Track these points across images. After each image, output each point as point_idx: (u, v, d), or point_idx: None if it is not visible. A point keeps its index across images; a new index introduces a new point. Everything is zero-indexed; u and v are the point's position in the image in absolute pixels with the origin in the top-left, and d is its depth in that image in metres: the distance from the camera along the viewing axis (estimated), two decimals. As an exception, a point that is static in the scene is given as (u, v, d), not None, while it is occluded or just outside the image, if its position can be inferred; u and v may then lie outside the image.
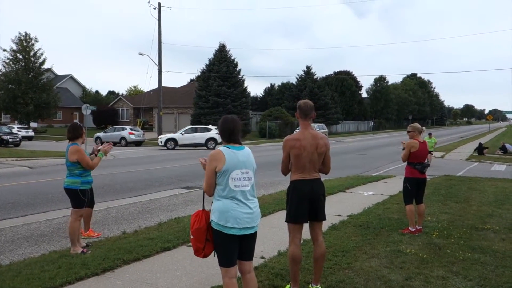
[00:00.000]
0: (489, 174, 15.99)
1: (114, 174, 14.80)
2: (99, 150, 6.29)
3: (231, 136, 3.63)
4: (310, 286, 4.46)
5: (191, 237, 3.68)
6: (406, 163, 6.92)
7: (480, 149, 25.31)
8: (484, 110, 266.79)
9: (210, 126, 31.40)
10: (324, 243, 4.48)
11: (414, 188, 6.84)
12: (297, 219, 4.30)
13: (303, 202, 4.26)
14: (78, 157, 5.91)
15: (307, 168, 4.27)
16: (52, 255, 5.72)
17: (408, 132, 6.99)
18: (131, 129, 33.34)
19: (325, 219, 4.42)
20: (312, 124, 4.58)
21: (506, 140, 35.46)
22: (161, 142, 29.70)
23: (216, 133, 29.21)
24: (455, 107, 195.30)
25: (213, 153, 3.56)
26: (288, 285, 4.42)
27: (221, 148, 3.59)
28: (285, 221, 4.41)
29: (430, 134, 19.50)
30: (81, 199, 6.00)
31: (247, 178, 3.59)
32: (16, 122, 42.58)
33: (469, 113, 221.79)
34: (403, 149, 6.92)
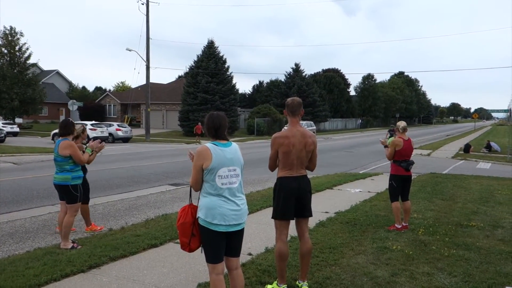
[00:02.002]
0: (474, 172, 16.19)
1: (101, 171, 14.65)
2: (86, 147, 6.26)
3: (217, 133, 3.61)
4: (297, 282, 4.48)
5: (178, 231, 3.67)
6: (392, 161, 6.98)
7: (466, 147, 25.75)
8: (470, 108, 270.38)
9: (98, 123, 32.25)
10: (310, 240, 4.50)
11: (400, 185, 6.91)
12: (284, 216, 4.31)
13: (290, 199, 4.27)
14: (71, 151, 5.87)
15: (295, 165, 4.28)
16: (37, 252, 5.66)
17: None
18: (118, 125, 33.16)
19: (311, 215, 4.45)
20: (301, 122, 4.59)
21: (491, 138, 35.98)
22: (51, 136, 30.30)
23: (101, 131, 30.25)
24: (441, 106, 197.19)
25: (200, 150, 3.53)
26: (275, 282, 4.43)
27: (208, 144, 3.55)
28: (272, 218, 4.42)
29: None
30: (74, 194, 5.99)
31: (234, 175, 3.58)
32: (0, 117, 41.90)
33: (455, 112, 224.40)
34: (385, 147, 6.98)
